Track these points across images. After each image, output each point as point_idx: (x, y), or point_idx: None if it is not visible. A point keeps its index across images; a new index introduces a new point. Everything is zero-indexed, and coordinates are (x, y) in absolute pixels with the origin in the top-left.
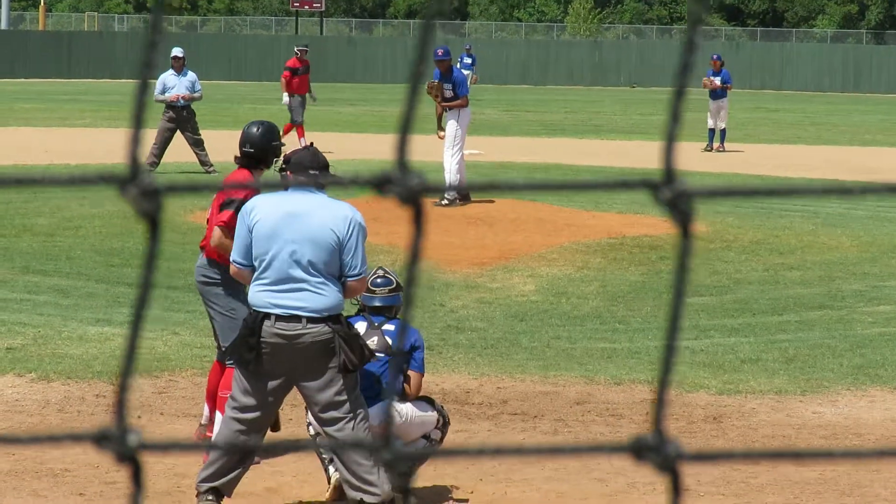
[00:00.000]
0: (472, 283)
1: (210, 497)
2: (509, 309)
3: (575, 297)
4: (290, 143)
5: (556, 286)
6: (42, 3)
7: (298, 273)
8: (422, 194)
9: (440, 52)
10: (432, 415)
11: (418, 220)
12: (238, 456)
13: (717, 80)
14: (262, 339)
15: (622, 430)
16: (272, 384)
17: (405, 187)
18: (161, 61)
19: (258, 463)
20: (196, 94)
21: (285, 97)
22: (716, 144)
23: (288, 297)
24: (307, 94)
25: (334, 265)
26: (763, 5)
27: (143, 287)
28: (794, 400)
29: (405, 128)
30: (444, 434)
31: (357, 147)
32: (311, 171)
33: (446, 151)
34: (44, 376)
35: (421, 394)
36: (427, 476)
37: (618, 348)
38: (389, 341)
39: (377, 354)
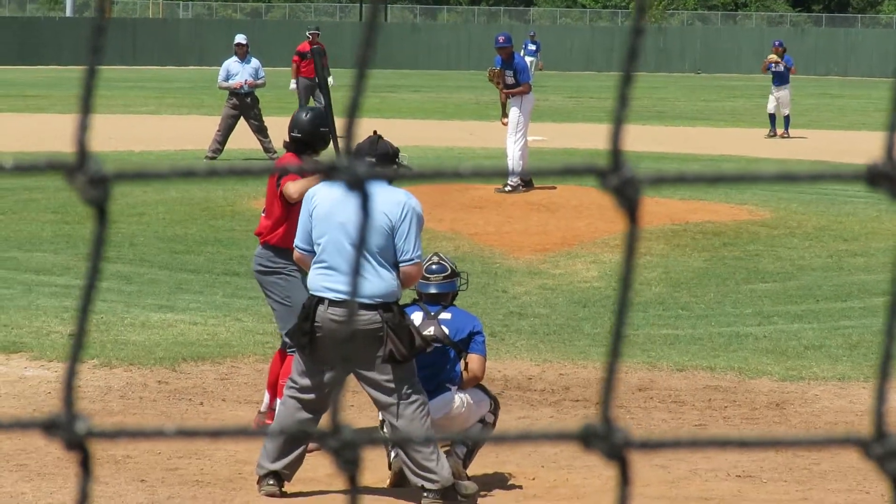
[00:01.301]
0: (535, 270)
1: (271, 482)
2: (572, 295)
3: (637, 284)
4: None
5: (620, 272)
6: None
7: (352, 253)
8: (369, 180)
9: (501, 38)
10: (485, 400)
11: (365, 205)
12: (296, 439)
13: (779, 66)
14: (316, 324)
15: (684, 417)
16: (328, 368)
17: (352, 174)
18: (212, 48)
19: (319, 449)
20: (259, 81)
21: (292, 83)
22: (780, 131)
23: (341, 282)
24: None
25: (388, 251)
26: None
27: (90, 275)
28: (857, 386)
29: (352, 113)
30: (496, 417)
31: (421, 133)
32: (369, 159)
33: (509, 138)
34: (106, 363)
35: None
36: (489, 462)
37: (680, 335)
38: (446, 331)
39: (434, 344)
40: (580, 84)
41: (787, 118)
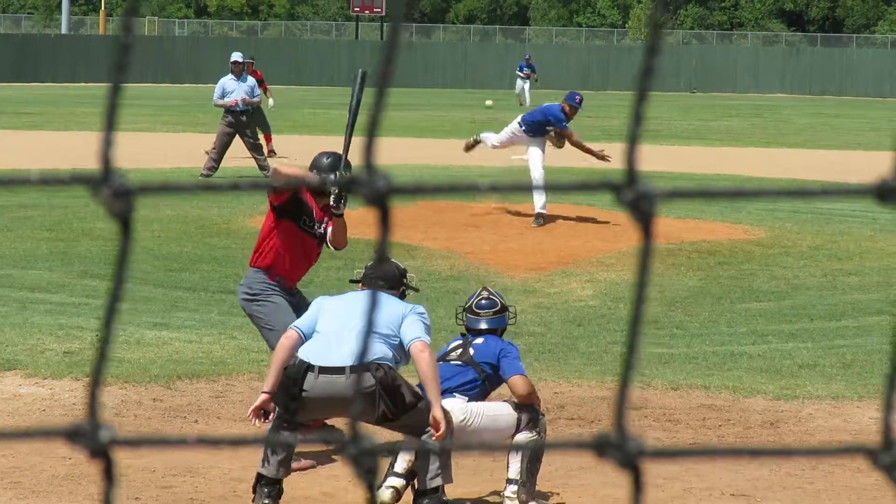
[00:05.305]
0: (530, 288)
1: (266, 501)
2: (567, 314)
3: (632, 302)
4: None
5: (614, 291)
6: (103, 8)
7: (350, 332)
8: (388, 195)
9: (578, 98)
10: (509, 415)
11: (385, 220)
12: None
13: None
14: (304, 391)
15: (679, 436)
16: (318, 415)
17: (371, 189)
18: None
19: (314, 467)
20: (255, 99)
21: (270, 101)
22: None
23: (335, 353)
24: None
25: (390, 335)
26: (822, 12)
27: (115, 287)
28: (851, 405)
29: (372, 131)
30: (539, 431)
31: (417, 152)
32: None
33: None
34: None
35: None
36: (484, 480)
37: (675, 353)
38: (472, 352)
39: (456, 363)
40: None
41: None
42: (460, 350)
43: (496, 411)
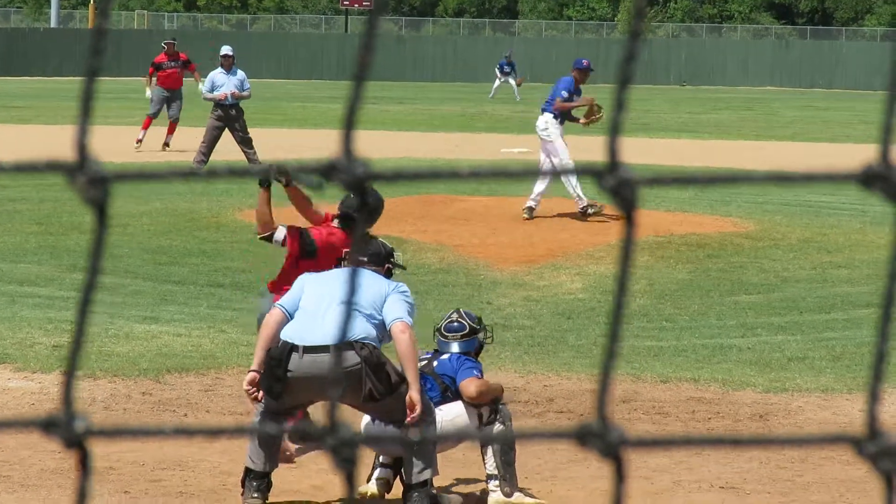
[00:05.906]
0: (520, 282)
1: (255, 495)
2: (556, 307)
3: (615, 290)
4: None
5: (604, 284)
6: (92, 2)
7: (332, 310)
8: (367, 181)
9: (585, 62)
10: (461, 415)
11: (364, 206)
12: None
13: None
14: (289, 372)
15: (669, 428)
16: (304, 397)
17: (351, 175)
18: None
19: (297, 454)
20: (245, 93)
21: (147, 91)
22: None
23: (318, 330)
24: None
25: (374, 314)
26: (811, 4)
27: (90, 275)
28: (840, 398)
29: (351, 117)
30: (502, 421)
31: (407, 145)
32: (360, 258)
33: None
34: (90, 374)
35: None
36: (472, 474)
37: (664, 346)
38: (434, 364)
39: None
40: None
41: None
42: (425, 362)
43: (453, 415)
